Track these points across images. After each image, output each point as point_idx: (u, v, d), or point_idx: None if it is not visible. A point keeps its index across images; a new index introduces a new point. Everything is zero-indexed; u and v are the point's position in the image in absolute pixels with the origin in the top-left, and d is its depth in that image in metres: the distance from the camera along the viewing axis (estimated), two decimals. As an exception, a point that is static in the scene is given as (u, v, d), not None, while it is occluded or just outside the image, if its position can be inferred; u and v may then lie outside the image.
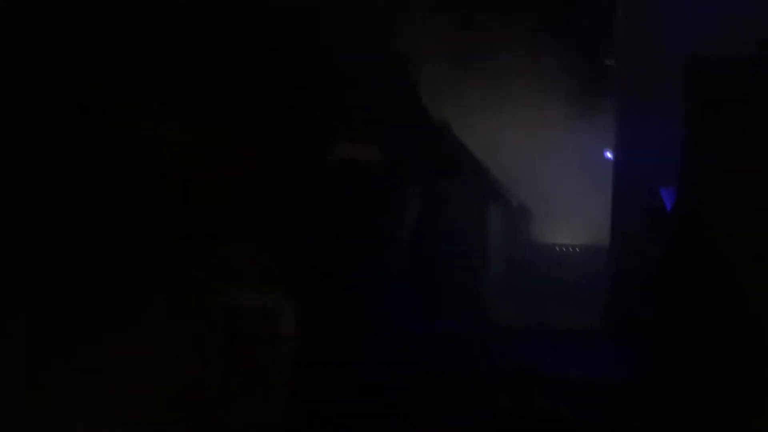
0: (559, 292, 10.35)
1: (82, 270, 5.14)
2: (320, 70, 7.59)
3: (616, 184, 8.16)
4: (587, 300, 9.25)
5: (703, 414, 4.91)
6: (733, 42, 6.59)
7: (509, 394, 5.46)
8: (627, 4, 8.50)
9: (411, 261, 5.58)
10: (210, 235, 5.22)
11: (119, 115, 6.00)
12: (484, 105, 11.50)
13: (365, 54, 8.48)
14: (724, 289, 4.80)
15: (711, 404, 4.89)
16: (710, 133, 5.20)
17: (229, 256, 5.05)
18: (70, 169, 5.39)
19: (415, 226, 5.56)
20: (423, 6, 10.27)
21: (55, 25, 6.29)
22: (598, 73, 11.96)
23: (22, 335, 4.86)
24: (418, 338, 5.63)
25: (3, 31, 5.04)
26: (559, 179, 12.95)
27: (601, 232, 12.49)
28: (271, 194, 5.25)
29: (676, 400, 5.15)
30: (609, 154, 14.84)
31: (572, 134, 13.23)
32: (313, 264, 5.10)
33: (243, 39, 7.38)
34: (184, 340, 4.82)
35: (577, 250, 13.05)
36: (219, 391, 4.63)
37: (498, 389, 5.47)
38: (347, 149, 6.53)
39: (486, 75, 11.58)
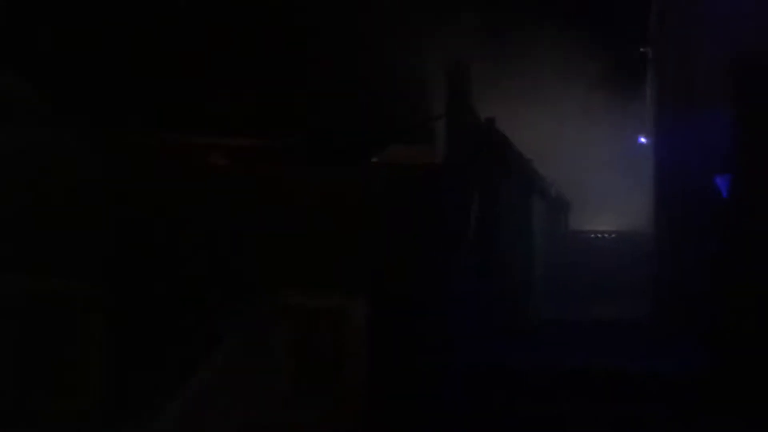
0: (611, 283, 10.34)
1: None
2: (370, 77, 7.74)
3: (664, 172, 8.16)
4: (640, 290, 9.27)
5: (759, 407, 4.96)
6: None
7: (562, 388, 5.52)
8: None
9: (476, 260, 5.66)
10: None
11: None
12: (521, 97, 11.56)
13: (401, 54, 8.63)
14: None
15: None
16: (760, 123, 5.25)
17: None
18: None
19: (476, 225, 5.63)
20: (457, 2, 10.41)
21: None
22: (639, 62, 11.96)
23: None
24: (484, 335, 5.73)
25: None
26: (605, 170, 13.01)
27: (648, 221, 12.56)
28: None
29: (733, 392, 5.19)
30: (644, 140, 14.88)
31: (617, 123, 13.25)
32: (379, 265, 5.23)
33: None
34: (258, 341, 4.97)
35: (630, 239, 12.98)
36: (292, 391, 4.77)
37: (553, 383, 5.54)
38: (400, 152, 6.66)
39: (521, 67, 11.65)
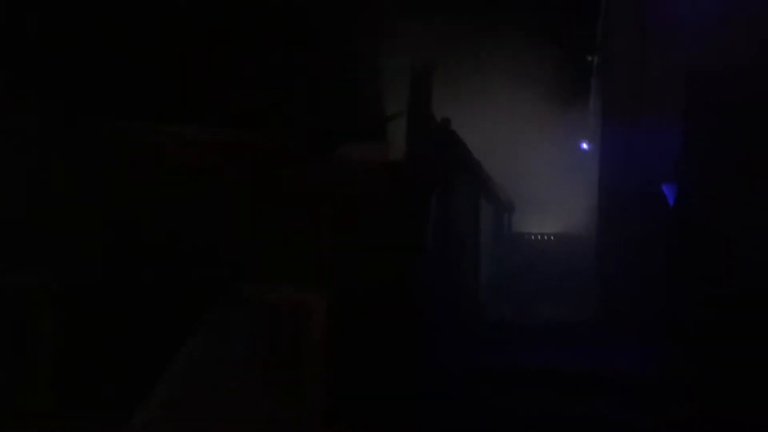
0: (554, 284, 10.58)
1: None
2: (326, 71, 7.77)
3: (610, 178, 8.43)
4: (583, 291, 9.52)
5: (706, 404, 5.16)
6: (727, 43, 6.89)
7: (504, 389, 5.66)
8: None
9: (433, 260, 5.77)
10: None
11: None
12: (469, 99, 11.74)
13: (362, 53, 8.69)
14: (729, 282, 5.06)
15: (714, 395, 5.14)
16: (709, 133, 5.47)
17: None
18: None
19: (433, 225, 5.74)
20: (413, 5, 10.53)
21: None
22: (583, 70, 12.29)
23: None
24: (441, 333, 5.84)
25: None
26: (549, 174, 13.29)
27: (587, 224, 12.88)
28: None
29: (680, 391, 5.40)
30: (585, 145, 15.29)
31: (560, 128, 13.56)
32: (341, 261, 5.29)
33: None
34: (219, 339, 4.97)
35: (568, 241, 13.29)
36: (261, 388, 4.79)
37: (492, 384, 5.68)
38: (355, 150, 6.71)
39: (470, 69, 11.84)
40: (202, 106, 7.17)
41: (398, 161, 5.67)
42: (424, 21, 10.99)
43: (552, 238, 14.36)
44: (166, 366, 4.72)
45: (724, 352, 5.17)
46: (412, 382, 5.19)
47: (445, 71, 11.80)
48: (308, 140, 6.75)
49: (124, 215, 5.66)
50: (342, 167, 5.73)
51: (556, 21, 12.90)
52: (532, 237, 14.11)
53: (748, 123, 5.08)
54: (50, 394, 5.21)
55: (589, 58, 11.05)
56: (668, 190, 5.85)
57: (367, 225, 5.40)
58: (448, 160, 6.52)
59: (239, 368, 4.78)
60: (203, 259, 5.45)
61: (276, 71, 7.81)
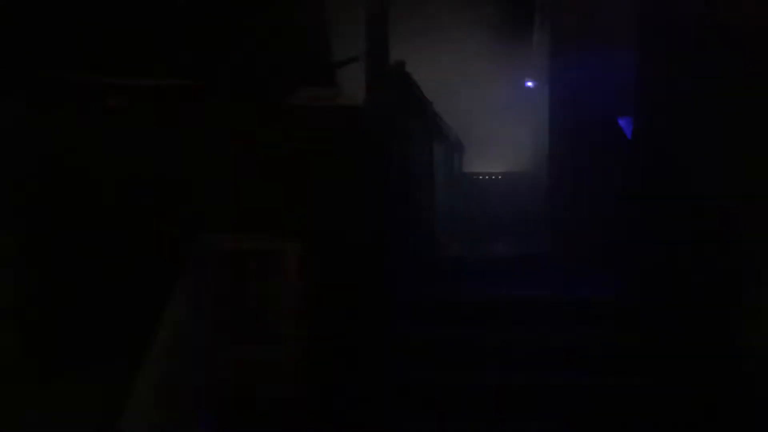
0: (505, 221, 10.73)
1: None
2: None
3: (560, 114, 8.51)
4: (532, 228, 9.70)
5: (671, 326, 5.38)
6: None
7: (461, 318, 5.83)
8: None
9: (395, 200, 5.80)
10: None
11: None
12: (416, 39, 11.68)
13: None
14: (689, 212, 5.20)
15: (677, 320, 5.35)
16: (664, 65, 5.55)
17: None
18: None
19: (388, 166, 5.75)
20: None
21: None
22: (526, 7, 12.29)
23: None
24: (407, 271, 5.93)
25: None
26: (495, 113, 13.35)
27: (534, 162, 13.04)
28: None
29: (642, 313, 5.62)
30: (530, 83, 15.38)
31: (505, 67, 13.59)
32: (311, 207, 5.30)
33: None
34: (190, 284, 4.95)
35: (516, 179, 13.45)
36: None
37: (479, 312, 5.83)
38: (314, 95, 6.66)
39: (417, 8, 11.74)
40: (149, 57, 7.02)
41: (351, 104, 5.66)
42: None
43: (500, 177, 14.54)
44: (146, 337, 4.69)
45: (671, 285, 5.37)
46: (378, 318, 5.28)
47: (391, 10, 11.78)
48: (256, 86, 6.68)
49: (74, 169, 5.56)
50: (296, 111, 5.69)
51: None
52: (481, 177, 14.27)
53: (703, 53, 5.14)
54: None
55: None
56: (625, 124, 5.94)
57: (326, 168, 5.40)
58: (404, 102, 6.51)
59: (216, 319, 4.79)
60: (163, 212, 5.40)
61: (222, 19, 7.65)
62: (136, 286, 4.95)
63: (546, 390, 5.29)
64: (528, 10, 13.07)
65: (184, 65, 6.86)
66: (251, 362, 5.02)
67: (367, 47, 5.61)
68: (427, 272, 6.92)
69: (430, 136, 8.45)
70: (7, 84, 6.11)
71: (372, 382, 5.12)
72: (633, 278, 5.92)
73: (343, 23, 7.94)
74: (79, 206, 5.31)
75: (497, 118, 14.49)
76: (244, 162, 5.45)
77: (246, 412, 5.06)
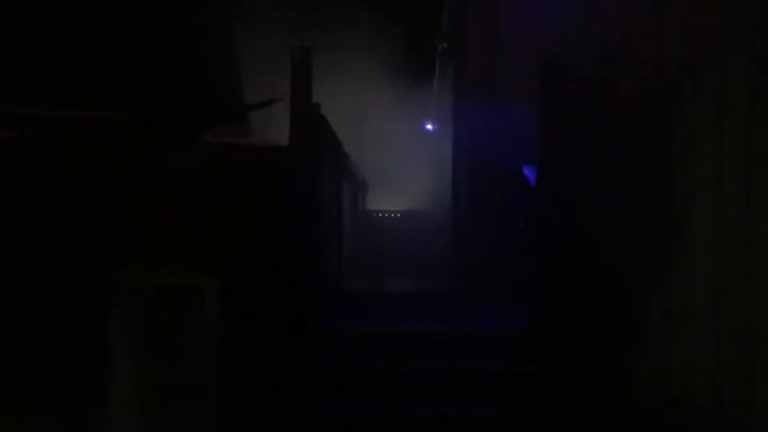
0: (404, 257, 11.10)
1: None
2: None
3: (462, 159, 8.96)
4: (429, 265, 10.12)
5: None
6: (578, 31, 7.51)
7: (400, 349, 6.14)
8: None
9: (308, 237, 6.06)
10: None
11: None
12: (324, 81, 12.01)
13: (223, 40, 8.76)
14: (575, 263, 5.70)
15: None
16: (562, 121, 6.07)
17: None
18: None
19: (308, 204, 6.03)
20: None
21: None
22: (427, 54, 12.88)
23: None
24: (318, 306, 6.17)
25: None
26: (395, 154, 13.83)
27: (428, 201, 13.55)
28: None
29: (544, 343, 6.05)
30: (429, 126, 16.00)
31: (407, 110, 14.11)
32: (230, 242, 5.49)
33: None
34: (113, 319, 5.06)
35: (412, 217, 13.90)
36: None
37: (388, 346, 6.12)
38: (225, 133, 6.87)
39: (329, 51, 12.10)
40: (71, 85, 7.08)
41: (260, 143, 5.91)
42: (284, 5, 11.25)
43: (395, 215, 15.02)
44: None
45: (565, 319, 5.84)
46: (301, 350, 5.52)
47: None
48: (173, 125, 6.85)
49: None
50: (210, 150, 5.89)
51: (402, 9, 13.43)
52: (379, 214, 14.70)
53: (601, 114, 5.69)
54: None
55: (442, 45, 11.61)
56: (529, 172, 6.41)
57: (240, 205, 5.62)
58: (320, 142, 6.83)
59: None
60: (82, 249, 5.48)
61: (143, 59, 7.78)
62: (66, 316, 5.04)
63: (451, 420, 5.63)
64: (429, 58, 13.68)
65: (104, 96, 6.98)
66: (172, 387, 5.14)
67: (292, 90, 5.89)
68: (333, 306, 7.19)
69: (340, 176, 8.78)
70: None
71: (287, 409, 5.33)
72: (532, 313, 6.36)
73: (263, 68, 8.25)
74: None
75: (398, 158, 14.99)
76: (163, 197, 5.61)
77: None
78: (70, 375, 4.95)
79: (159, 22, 8.18)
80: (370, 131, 13.69)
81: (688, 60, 5.12)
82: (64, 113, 6.62)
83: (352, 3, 13.15)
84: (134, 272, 5.36)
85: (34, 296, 5.19)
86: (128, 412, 4.89)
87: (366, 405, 5.64)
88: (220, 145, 6.00)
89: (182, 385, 5.03)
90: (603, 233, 5.55)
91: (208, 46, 8.70)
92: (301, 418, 5.41)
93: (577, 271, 5.77)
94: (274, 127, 9.31)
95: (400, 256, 11.33)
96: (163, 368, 5.04)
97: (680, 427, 4.96)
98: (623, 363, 5.46)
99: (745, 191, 4.48)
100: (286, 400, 5.40)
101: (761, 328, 4.34)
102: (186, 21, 8.44)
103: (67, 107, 6.78)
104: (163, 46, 7.99)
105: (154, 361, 5.01)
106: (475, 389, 5.87)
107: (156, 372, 5.05)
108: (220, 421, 5.09)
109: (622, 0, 7.82)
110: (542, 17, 8.11)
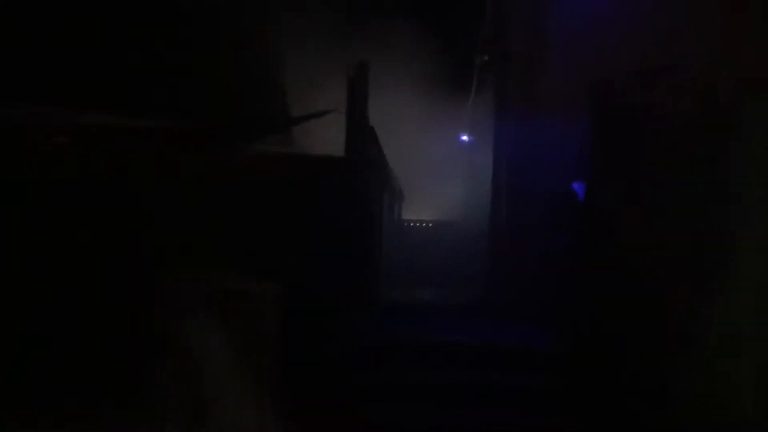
0: (439, 269, 11.17)
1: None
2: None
3: (503, 173, 9.06)
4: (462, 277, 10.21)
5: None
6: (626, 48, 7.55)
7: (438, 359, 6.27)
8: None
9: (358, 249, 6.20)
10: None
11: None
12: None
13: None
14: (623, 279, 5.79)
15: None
16: (613, 138, 6.17)
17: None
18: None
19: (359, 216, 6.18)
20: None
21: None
22: (464, 67, 13.05)
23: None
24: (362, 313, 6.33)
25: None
26: (432, 165, 13.97)
27: (461, 212, 13.67)
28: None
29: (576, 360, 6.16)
30: (465, 138, 16.13)
31: (443, 121, 14.27)
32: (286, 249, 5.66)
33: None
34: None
35: (446, 228, 14.01)
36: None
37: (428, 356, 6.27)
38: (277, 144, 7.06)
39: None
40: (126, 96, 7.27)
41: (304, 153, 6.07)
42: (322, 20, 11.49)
43: (430, 225, 15.15)
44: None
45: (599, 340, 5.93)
46: (350, 356, 5.68)
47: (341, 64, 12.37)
48: (227, 133, 7.03)
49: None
50: (260, 158, 6.08)
51: (439, 20, 13.60)
52: (412, 224, 14.84)
53: (650, 134, 5.79)
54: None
55: (482, 58, 11.76)
56: (578, 187, 6.52)
57: (302, 214, 5.79)
58: (372, 153, 6.98)
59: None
60: (144, 255, 5.66)
61: (192, 67, 7.98)
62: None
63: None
64: (466, 70, 13.84)
65: (158, 108, 7.18)
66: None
67: (348, 104, 6.06)
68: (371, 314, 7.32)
69: (383, 186, 8.93)
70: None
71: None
72: (568, 328, 6.46)
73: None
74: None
75: (435, 169, 15.13)
76: (222, 206, 5.77)
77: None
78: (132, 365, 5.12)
79: (208, 34, 8.38)
80: (404, 142, 13.83)
81: (742, 83, 5.21)
82: (121, 121, 6.82)
83: (389, 17, 13.35)
84: (192, 275, 5.53)
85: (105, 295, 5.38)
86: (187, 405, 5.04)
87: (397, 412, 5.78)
88: (273, 155, 6.18)
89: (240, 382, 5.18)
90: (648, 253, 5.65)
91: (254, 59, 8.90)
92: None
93: (619, 288, 5.86)
94: (310, 136, 9.52)
95: (431, 266, 11.42)
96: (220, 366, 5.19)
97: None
98: (662, 381, 5.55)
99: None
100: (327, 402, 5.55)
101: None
102: (234, 35, 8.64)
103: (119, 116, 6.98)
104: (212, 59, 8.18)
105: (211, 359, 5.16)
106: (504, 401, 5.99)
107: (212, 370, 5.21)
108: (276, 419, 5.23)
109: (672, 19, 7.84)
110: (588, 34, 8.10)
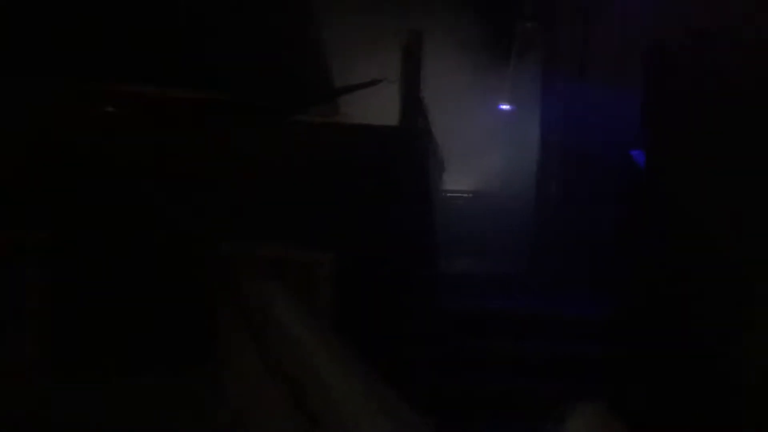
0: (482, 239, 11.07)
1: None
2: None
3: (551, 141, 8.94)
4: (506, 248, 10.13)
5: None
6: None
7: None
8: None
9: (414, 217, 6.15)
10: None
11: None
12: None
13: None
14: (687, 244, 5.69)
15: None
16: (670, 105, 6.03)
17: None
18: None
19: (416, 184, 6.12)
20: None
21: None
22: (503, 35, 12.82)
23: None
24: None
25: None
26: (472, 134, 13.76)
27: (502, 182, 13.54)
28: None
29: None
30: (504, 107, 15.89)
31: (482, 90, 14.06)
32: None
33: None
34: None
35: (487, 198, 13.85)
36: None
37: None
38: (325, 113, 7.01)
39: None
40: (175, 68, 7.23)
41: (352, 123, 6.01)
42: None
43: (468, 195, 14.96)
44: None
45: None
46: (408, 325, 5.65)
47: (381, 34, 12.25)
48: (274, 103, 6.98)
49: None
50: (310, 128, 6.03)
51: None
52: (451, 195, 14.67)
53: (710, 98, 5.64)
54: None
55: (524, 24, 11.56)
56: (638, 155, 6.39)
57: (357, 184, 5.74)
58: (422, 122, 6.90)
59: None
60: (195, 223, 5.66)
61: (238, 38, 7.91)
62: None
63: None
64: (505, 36, 13.59)
65: (209, 79, 7.13)
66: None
67: (402, 73, 5.97)
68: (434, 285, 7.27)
69: (433, 157, 8.83)
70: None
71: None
72: (624, 300, 6.39)
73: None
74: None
75: (475, 138, 14.91)
76: (278, 176, 5.75)
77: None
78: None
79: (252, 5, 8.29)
80: (443, 110, 13.63)
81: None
82: (177, 93, 6.81)
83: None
84: (249, 245, 5.51)
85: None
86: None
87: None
88: (330, 124, 6.11)
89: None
90: (716, 221, 5.53)
91: (298, 29, 8.81)
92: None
93: (684, 258, 5.76)
94: (351, 106, 9.44)
95: (473, 237, 11.31)
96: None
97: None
98: (725, 351, 5.45)
99: None
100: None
101: None
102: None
103: (172, 88, 6.97)
104: (261, 32, 8.10)
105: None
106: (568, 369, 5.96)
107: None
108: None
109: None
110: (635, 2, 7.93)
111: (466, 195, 14.67)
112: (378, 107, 8.50)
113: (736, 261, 5.37)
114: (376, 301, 5.64)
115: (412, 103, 5.99)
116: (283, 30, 8.29)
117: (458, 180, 15.78)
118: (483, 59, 15.13)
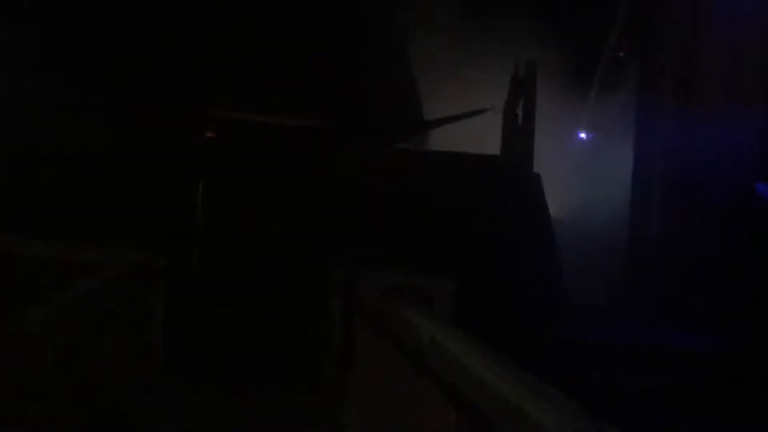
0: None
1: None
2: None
3: (639, 175, 8.73)
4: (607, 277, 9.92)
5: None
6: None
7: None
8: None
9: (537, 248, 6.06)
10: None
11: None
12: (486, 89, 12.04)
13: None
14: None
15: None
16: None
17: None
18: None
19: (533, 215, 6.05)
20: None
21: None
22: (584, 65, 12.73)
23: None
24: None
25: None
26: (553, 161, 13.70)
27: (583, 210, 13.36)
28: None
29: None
30: (583, 135, 15.77)
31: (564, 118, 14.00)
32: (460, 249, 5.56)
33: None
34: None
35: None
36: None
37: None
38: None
39: (488, 62, 12.15)
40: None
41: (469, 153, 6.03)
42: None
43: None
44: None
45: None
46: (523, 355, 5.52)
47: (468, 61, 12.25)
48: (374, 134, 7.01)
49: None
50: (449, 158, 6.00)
51: (561, 22, 13.32)
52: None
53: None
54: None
55: (616, 54, 11.42)
56: (763, 189, 6.18)
57: (477, 215, 5.69)
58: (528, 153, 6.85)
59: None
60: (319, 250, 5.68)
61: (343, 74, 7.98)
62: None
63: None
64: (586, 67, 13.51)
65: (318, 109, 7.20)
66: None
67: (508, 102, 5.94)
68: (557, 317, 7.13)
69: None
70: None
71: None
72: (747, 337, 6.17)
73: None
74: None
75: (555, 165, 14.79)
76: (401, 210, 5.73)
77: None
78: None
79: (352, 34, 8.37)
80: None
81: None
82: (282, 120, 6.88)
83: (507, 8, 13.14)
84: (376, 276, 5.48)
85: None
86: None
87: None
88: (444, 154, 6.10)
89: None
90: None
91: (393, 59, 8.86)
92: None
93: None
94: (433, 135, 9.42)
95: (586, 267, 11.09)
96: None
97: None
98: None
99: None
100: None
101: None
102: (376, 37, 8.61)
103: (273, 114, 7.05)
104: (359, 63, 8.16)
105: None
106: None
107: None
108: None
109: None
110: (753, 21, 7.46)
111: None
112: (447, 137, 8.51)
113: None
114: (495, 330, 5.55)
115: (525, 132, 5.93)
116: (383, 68, 8.36)
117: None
118: (561, 89, 15.05)
